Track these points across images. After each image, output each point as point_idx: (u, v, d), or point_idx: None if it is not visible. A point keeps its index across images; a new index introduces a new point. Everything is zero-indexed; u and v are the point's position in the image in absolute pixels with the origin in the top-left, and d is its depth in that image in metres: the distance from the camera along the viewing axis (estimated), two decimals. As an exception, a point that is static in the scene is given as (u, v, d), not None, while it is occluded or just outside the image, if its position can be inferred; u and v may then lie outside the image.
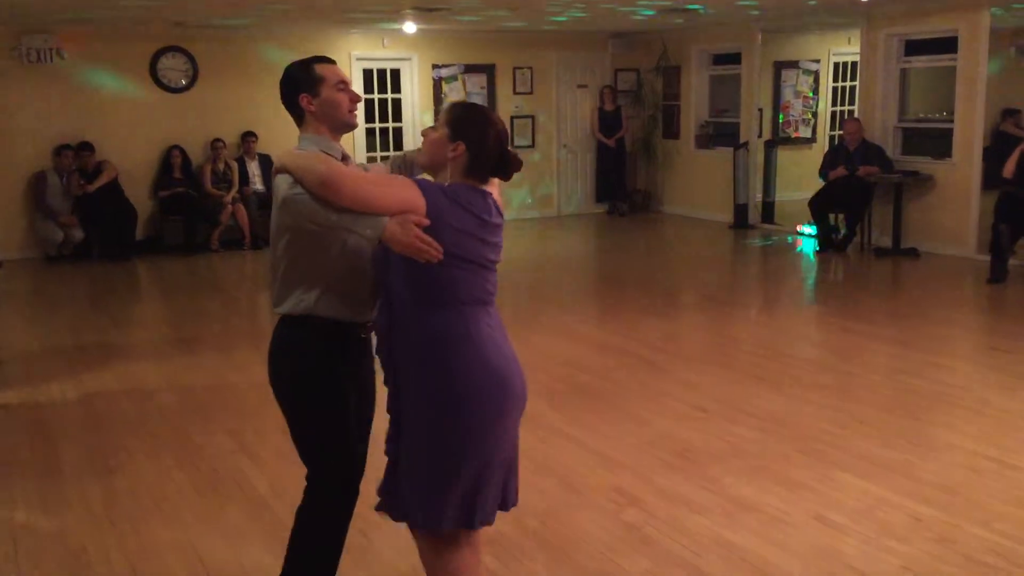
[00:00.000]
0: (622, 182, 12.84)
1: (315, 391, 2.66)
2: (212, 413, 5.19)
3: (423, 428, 2.48)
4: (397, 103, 12.06)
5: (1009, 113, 11.22)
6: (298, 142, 2.68)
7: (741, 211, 11.47)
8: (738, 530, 3.62)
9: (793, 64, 13.39)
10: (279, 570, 2.88)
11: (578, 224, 12.36)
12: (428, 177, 2.63)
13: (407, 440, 2.53)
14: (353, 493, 2.79)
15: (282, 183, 2.46)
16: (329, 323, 2.63)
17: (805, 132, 13.57)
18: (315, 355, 2.64)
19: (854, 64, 11.96)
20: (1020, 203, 7.96)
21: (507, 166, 2.52)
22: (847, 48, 12.51)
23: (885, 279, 8.78)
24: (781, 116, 13.40)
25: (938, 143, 9.54)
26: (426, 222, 2.35)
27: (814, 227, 9.98)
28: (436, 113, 12.19)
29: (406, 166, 2.90)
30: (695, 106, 12.47)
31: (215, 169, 10.71)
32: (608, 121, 12.59)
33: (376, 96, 11.91)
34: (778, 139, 12.65)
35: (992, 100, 9.53)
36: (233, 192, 10.68)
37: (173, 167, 10.58)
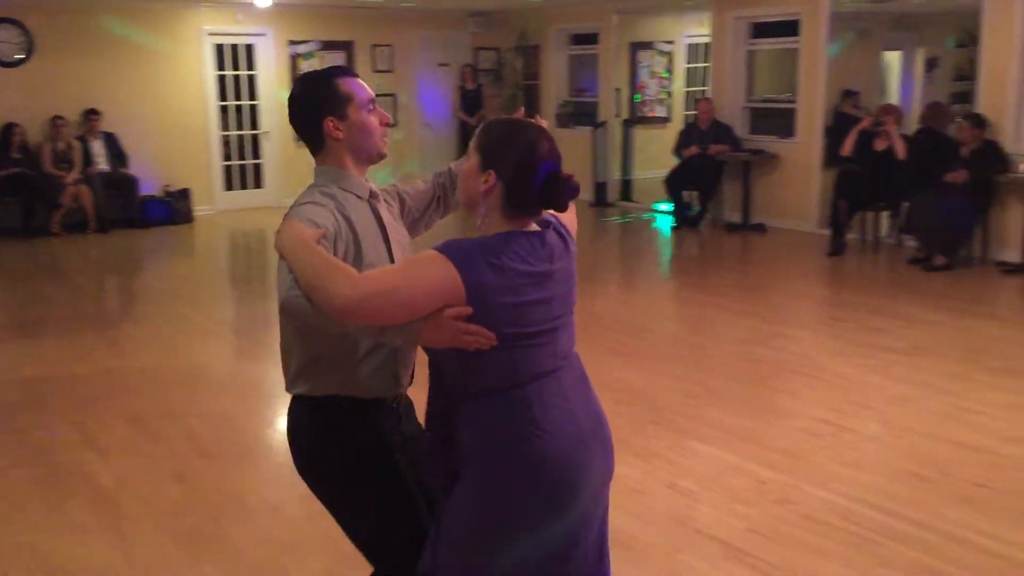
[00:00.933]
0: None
1: (361, 474, 2.20)
2: (53, 404, 4.93)
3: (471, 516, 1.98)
4: (254, 80, 11.69)
5: (849, 94, 11.79)
6: (313, 177, 2.22)
7: (601, 189, 11.70)
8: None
9: (648, 45, 13.71)
10: (126, 566, 2.76)
11: (441, 203, 12.31)
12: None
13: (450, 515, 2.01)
14: None
15: (284, 275, 1.95)
16: (356, 401, 2.18)
17: (661, 112, 13.94)
18: (354, 440, 2.19)
19: (706, 46, 12.34)
20: (857, 180, 8.42)
21: (557, 193, 1.94)
22: (699, 30, 12.89)
23: (735, 254, 9.14)
24: (638, 96, 13.71)
25: (783, 123, 9.98)
26: (468, 311, 1.85)
27: (670, 204, 10.28)
28: (293, 90, 11.89)
29: (452, 183, 2.48)
30: (555, 86, 12.61)
31: (55, 148, 10.11)
32: (470, 100, 12.58)
33: (229, 73, 11.51)
34: (635, 119, 12.95)
35: (833, 82, 10.01)
36: (75, 173, 10.12)
37: (10, 146, 9.93)
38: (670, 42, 13.87)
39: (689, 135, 10.17)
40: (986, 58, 8.08)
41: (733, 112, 10.30)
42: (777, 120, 10.17)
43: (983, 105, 8.04)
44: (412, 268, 1.89)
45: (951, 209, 7.68)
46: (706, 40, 12.03)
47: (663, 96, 13.98)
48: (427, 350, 1.98)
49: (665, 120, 13.85)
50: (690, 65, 14.12)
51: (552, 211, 1.99)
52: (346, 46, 12.06)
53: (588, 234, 10.60)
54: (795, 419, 4.59)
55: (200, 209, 11.25)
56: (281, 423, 4.82)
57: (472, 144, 1.99)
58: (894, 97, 13.93)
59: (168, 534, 3.49)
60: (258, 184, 11.96)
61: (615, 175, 11.84)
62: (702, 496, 3.75)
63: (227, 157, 11.74)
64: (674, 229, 10.06)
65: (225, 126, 11.64)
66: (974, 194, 7.72)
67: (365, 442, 2.18)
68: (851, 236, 8.74)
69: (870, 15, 12.84)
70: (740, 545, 3.36)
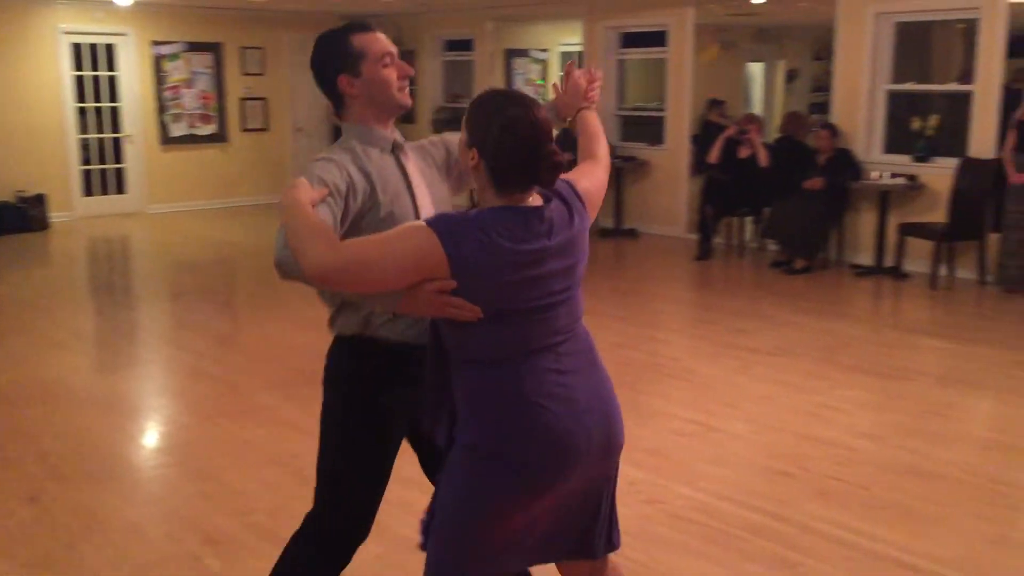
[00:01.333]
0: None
1: (358, 418, 2.26)
2: None
3: (462, 477, 1.98)
4: (115, 81, 11.22)
5: (715, 103, 12.21)
6: (342, 136, 2.23)
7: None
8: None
9: (524, 53, 13.84)
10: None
11: (315, 209, 12.10)
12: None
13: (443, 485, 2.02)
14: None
15: (279, 234, 1.96)
16: (385, 345, 2.21)
17: (536, 119, 14.06)
18: (367, 380, 2.24)
19: (579, 54, 12.55)
20: (723, 186, 8.71)
21: (539, 169, 1.88)
22: (573, 39, 13.10)
23: (608, 259, 9.31)
24: (514, 102, 13.79)
25: (653, 130, 10.23)
26: (452, 284, 1.84)
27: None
28: (159, 94, 11.49)
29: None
30: (430, 91, 12.58)
31: None
32: (343, 104, 12.41)
33: (88, 73, 11.01)
34: (511, 125, 13.02)
35: (699, 91, 10.34)
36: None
37: None
38: (545, 50, 14.04)
39: (563, 143, 10.22)
40: (839, 71, 8.50)
41: (605, 120, 10.47)
42: (647, 128, 10.43)
43: (837, 115, 8.45)
44: (393, 239, 1.87)
45: (809, 214, 8.03)
46: (579, 48, 12.25)
47: (540, 101, 14.11)
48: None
49: (540, 127, 13.97)
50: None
51: (538, 185, 1.93)
52: (214, 48, 11.73)
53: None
54: (665, 420, 4.70)
55: (57, 215, 10.72)
56: (144, 438, 4.63)
57: (463, 118, 1.96)
58: (757, 107, 14.51)
59: (17, 561, 3.30)
60: (120, 189, 11.48)
61: (491, 181, 11.88)
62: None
63: (86, 161, 11.23)
64: (549, 235, 10.15)
65: (84, 129, 11.13)
66: (830, 200, 8.10)
67: (371, 385, 2.23)
68: (718, 241, 9.03)
69: (734, 28, 13.34)
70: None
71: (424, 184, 2.25)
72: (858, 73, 8.28)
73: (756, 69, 14.98)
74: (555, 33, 13.82)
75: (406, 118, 12.81)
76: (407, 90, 2.21)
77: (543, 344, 1.93)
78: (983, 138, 7.57)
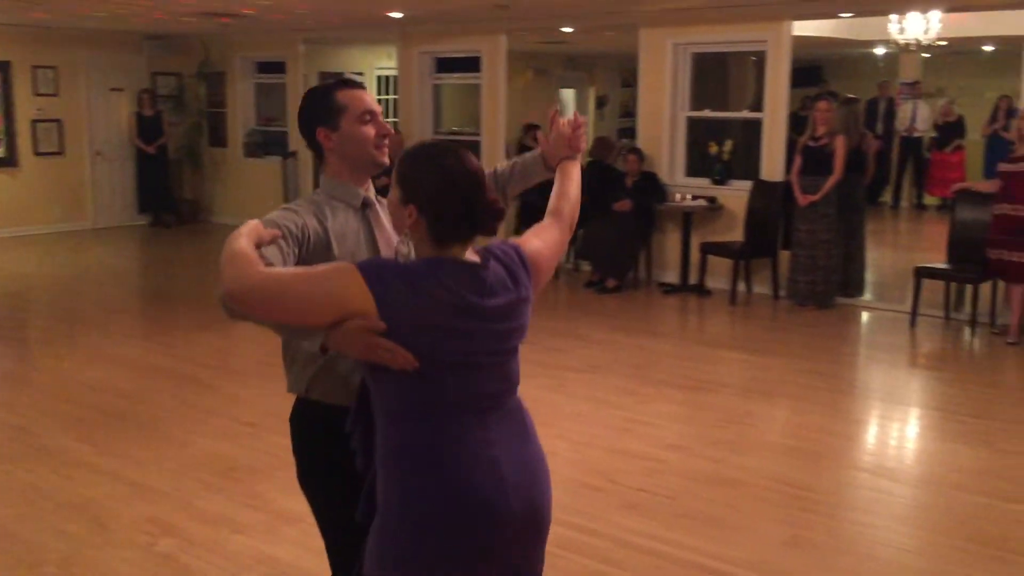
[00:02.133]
0: (167, 192, 12.19)
1: (336, 477, 2.20)
2: None
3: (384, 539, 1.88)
4: None
5: (530, 128, 12.50)
6: (317, 189, 2.27)
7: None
8: (281, 544, 3.59)
9: (338, 76, 13.69)
10: None
11: (118, 237, 11.48)
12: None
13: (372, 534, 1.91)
14: None
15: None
16: (323, 408, 2.19)
17: (353, 142, 13.94)
18: (325, 441, 2.19)
19: (395, 78, 12.55)
20: (538, 209, 8.86)
21: (481, 219, 1.85)
22: (388, 63, 13.10)
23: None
24: (330, 126, 13.62)
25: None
26: (381, 326, 1.76)
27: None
28: (-63, 113, 10.58)
29: (499, 183, 2.43)
30: (241, 114, 12.24)
31: None
32: (148, 127, 11.86)
33: None
34: (327, 149, 12.85)
35: (514, 116, 10.55)
36: None
37: None
38: (360, 73, 13.94)
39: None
40: (643, 98, 8.90)
41: (422, 144, 10.52)
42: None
43: (642, 140, 8.84)
44: (316, 272, 1.82)
45: (619, 235, 8.34)
46: (394, 73, 12.25)
47: (355, 127, 14.01)
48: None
49: (358, 151, 13.87)
50: (381, 97, 14.29)
51: (480, 235, 1.87)
52: (2, 67, 10.94)
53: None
54: (482, 442, 4.71)
55: None
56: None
57: (394, 176, 1.90)
58: (570, 132, 14.96)
59: None
60: None
61: (308, 206, 11.66)
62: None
63: None
64: (368, 259, 10.06)
65: None
66: (638, 221, 8.45)
67: (331, 444, 2.16)
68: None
69: (546, 55, 13.73)
70: (427, 573, 3.38)
71: (388, 245, 2.22)
72: (660, 100, 8.70)
73: (568, 95, 15.48)
74: (370, 57, 13.77)
75: (217, 142, 12.41)
76: (385, 148, 2.21)
77: (467, 405, 1.85)
78: (773, 162, 8.11)
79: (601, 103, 15.57)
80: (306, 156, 11.58)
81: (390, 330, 1.76)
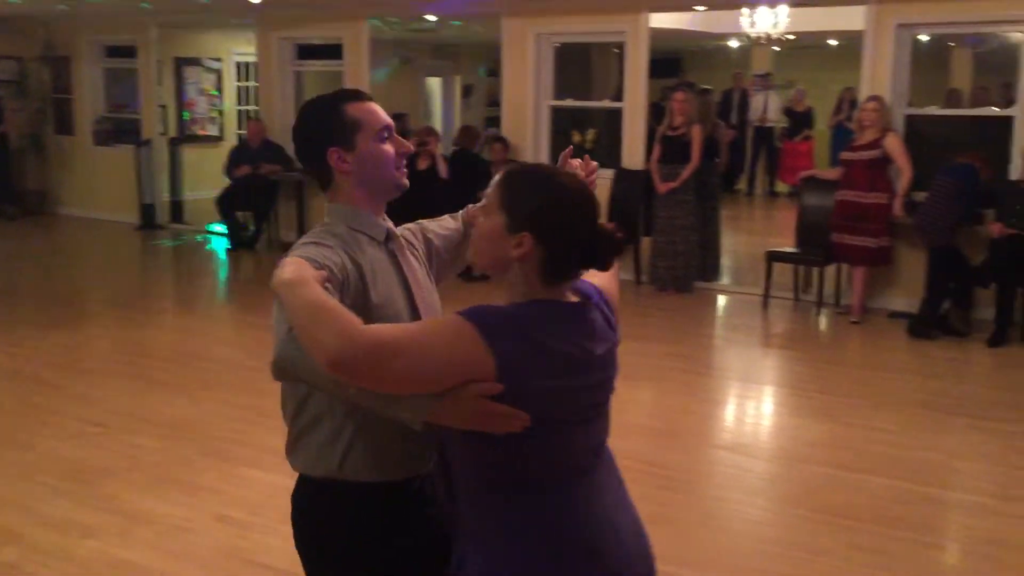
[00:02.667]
0: (8, 182, 11.51)
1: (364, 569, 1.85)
2: None
3: None
4: None
5: (396, 117, 12.40)
6: (325, 216, 1.89)
7: (148, 211, 11.02)
8: (134, 546, 3.45)
9: (195, 61, 13.23)
10: None
11: (-44, 231, 10.77)
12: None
13: None
14: None
15: (280, 320, 1.65)
16: (356, 488, 1.81)
17: (212, 130, 13.51)
18: (351, 527, 1.83)
19: (255, 64, 12.21)
20: (404, 198, 8.81)
21: (603, 252, 1.63)
22: (247, 48, 12.72)
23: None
24: (186, 113, 13.15)
25: (333, 143, 10.16)
26: (497, 388, 1.53)
27: (224, 225, 9.99)
28: None
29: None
30: (90, 101, 11.65)
31: None
32: (-14, 113, 11.16)
33: None
34: (184, 137, 12.41)
35: (380, 104, 10.40)
36: None
37: None
38: (218, 59, 13.51)
39: (240, 154, 9.97)
40: (507, 87, 8.95)
41: (284, 131, 10.27)
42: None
43: (507, 128, 8.89)
44: (430, 330, 1.57)
45: (486, 224, 8.36)
46: (253, 59, 11.92)
47: (214, 114, 13.57)
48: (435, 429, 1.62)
49: (217, 139, 13.44)
50: (240, 83, 13.87)
51: (595, 269, 1.67)
52: None
53: (136, 259, 9.95)
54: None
55: None
56: None
57: (492, 200, 1.63)
58: (437, 120, 14.93)
59: None
60: None
61: (164, 196, 11.24)
62: (254, 524, 3.66)
63: None
64: (229, 251, 9.78)
65: None
66: (504, 210, 8.48)
67: (368, 537, 1.83)
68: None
69: (412, 43, 13.63)
70: (293, 568, 3.30)
71: (419, 280, 1.95)
72: (524, 89, 8.76)
73: (435, 84, 15.41)
74: (228, 42, 13.33)
75: (64, 129, 11.78)
76: (404, 169, 1.92)
77: (581, 464, 1.66)
78: (634, 151, 8.31)
79: (467, 92, 15.57)
80: (161, 144, 11.14)
81: (507, 392, 1.53)
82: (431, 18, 10.14)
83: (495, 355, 1.52)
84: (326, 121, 1.86)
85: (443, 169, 8.72)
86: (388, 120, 1.89)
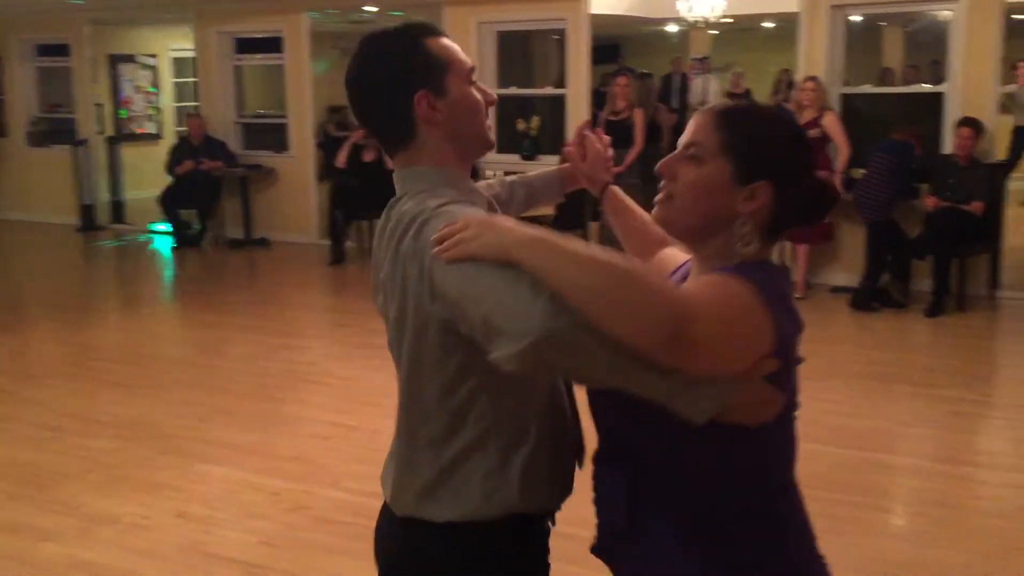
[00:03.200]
0: (-59, 186, 11.21)
1: None
2: None
3: None
4: None
5: (335, 110, 12.30)
6: (403, 184, 1.50)
7: (88, 212, 10.83)
8: (94, 547, 3.43)
9: (129, 58, 12.97)
10: None
11: None
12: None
13: None
14: None
15: (522, 293, 1.21)
16: (521, 520, 1.47)
17: (151, 128, 13.27)
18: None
19: (193, 60, 12.03)
20: (351, 191, 8.80)
21: (825, 203, 1.43)
22: (185, 44, 12.51)
23: (240, 270, 9.05)
24: (123, 112, 12.90)
25: (277, 137, 10.09)
26: (774, 365, 1.28)
27: (167, 224, 9.86)
28: None
29: (511, 201, 1.81)
30: (23, 101, 11.39)
31: None
32: (-86, 117, 10.85)
33: None
34: (122, 135, 12.18)
35: (322, 97, 10.35)
36: None
37: None
38: (154, 55, 13.26)
39: (181, 152, 9.84)
40: (451, 76, 8.94)
41: (226, 127, 10.17)
42: (271, 135, 10.25)
43: (452, 119, 8.89)
44: (722, 293, 1.26)
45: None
46: (191, 54, 11.74)
47: (152, 111, 13.33)
48: (612, 419, 1.37)
49: (156, 136, 13.20)
50: (178, 80, 13.64)
51: (807, 225, 1.48)
52: None
53: (78, 261, 9.78)
54: (305, 426, 4.67)
55: None
56: None
57: (708, 144, 1.36)
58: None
59: None
60: None
61: (103, 196, 11.04)
62: (215, 519, 3.66)
63: None
64: (174, 250, 9.66)
65: None
66: (452, 199, 8.51)
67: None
68: (349, 244, 9.12)
69: (352, 35, 13.53)
70: (255, 560, 3.33)
71: None
72: (467, 78, 8.77)
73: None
74: (164, 38, 13.10)
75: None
76: (491, 125, 1.57)
77: (793, 460, 1.45)
78: (578, 137, 8.37)
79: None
80: (98, 143, 10.93)
81: (778, 371, 1.31)
82: (371, 9, 10.09)
83: (774, 325, 1.27)
84: (408, 59, 1.47)
85: (389, 160, 8.69)
86: (472, 61, 1.54)
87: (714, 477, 1.35)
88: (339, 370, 5.59)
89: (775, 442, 1.38)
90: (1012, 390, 5.13)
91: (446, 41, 1.51)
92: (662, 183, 1.44)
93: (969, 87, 6.84)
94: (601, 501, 1.43)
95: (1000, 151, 7.01)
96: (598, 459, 1.45)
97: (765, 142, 1.37)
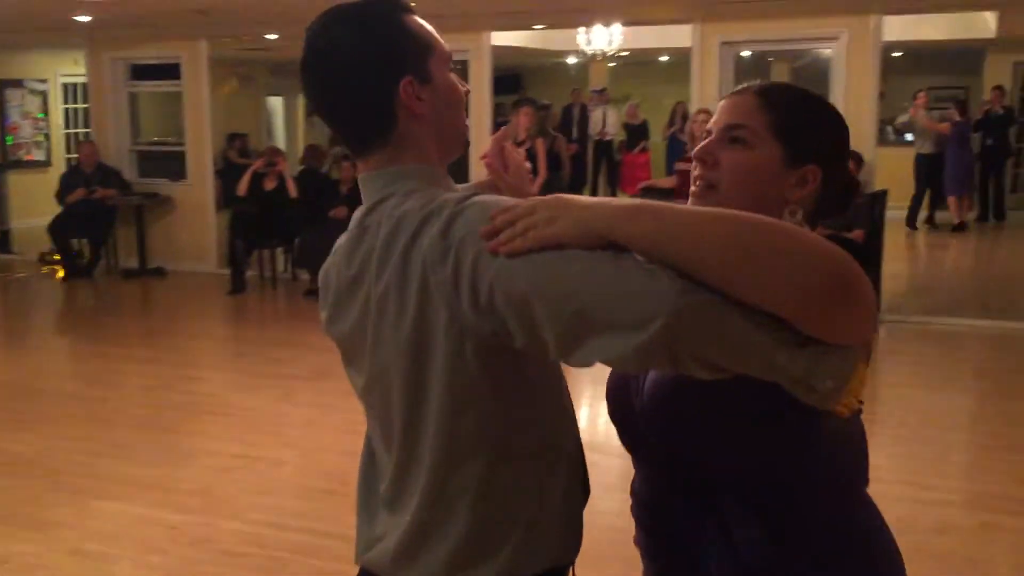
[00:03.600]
0: None
1: None
2: None
3: None
4: None
5: (234, 137, 12.14)
6: (380, 187, 1.28)
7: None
8: (-17, 590, 3.30)
9: (18, 83, 12.57)
10: None
11: None
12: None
13: None
14: None
15: (630, 269, 1.03)
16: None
17: (39, 155, 12.86)
18: None
19: (84, 86, 11.72)
20: (252, 219, 8.70)
21: (853, 191, 1.37)
22: (76, 69, 12.19)
23: (135, 300, 8.82)
24: (10, 138, 12.47)
25: (174, 165, 9.89)
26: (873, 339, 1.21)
27: (57, 254, 9.53)
28: None
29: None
30: (-99, 125, 10.88)
31: None
32: None
33: None
34: (9, 163, 11.77)
35: (221, 124, 10.22)
36: None
37: None
38: (44, 80, 12.88)
39: (72, 179, 9.55)
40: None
41: (120, 155, 9.93)
42: (168, 163, 10.05)
43: (355, 147, 8.89)
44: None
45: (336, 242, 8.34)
46: (84, 80, 11.44)
47: (40, 138, 12.92)
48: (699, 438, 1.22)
49: (45, 164, 12.81)
50: (69, 105, 13.27)
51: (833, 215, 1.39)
52: None
53: (-40, 293, 9.35)
54: (206, 458, 4.58)
55: None
56: None
57: (756, 125, 1.26)
58: (280, 140, 14.72)
59: None
60: None
61: (-11, 225, 10.62)
62: (110, 556, 3.56)
63: None
64: (65, 280, 9.34)
65: None
66: (355, 227, 8.49)
67: None
68: (250, 273, 8.98)
69: (251, 62, 13.40)
70: (155, 596, 3.26)
71: None
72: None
73: (277, 103, 15.19)
74: (54, 63, 12.74)
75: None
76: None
77: None
78: (482, 167, 8.45)
79: (311, 111, 15.44)
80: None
81: None
82: (272, 36, 10.03)
83: None
84: (390, 39, 1.25)
85: (292, 188, 8.64)
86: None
87: (806, 484, 1.23)
88: (240, 400, 5.50)
89: (857, 441, 1.28)
90: (892, 408, 5.39)
91: (423, 22, 1.31)
92: (697, 172, 1.30)
93: (849, 121, 7.17)
94: (707, 542, 1.25)
95: (878, 182, 7.40)
96: (670, 494, 1.29)
97: (815, 123, 1.30)
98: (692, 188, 1.31)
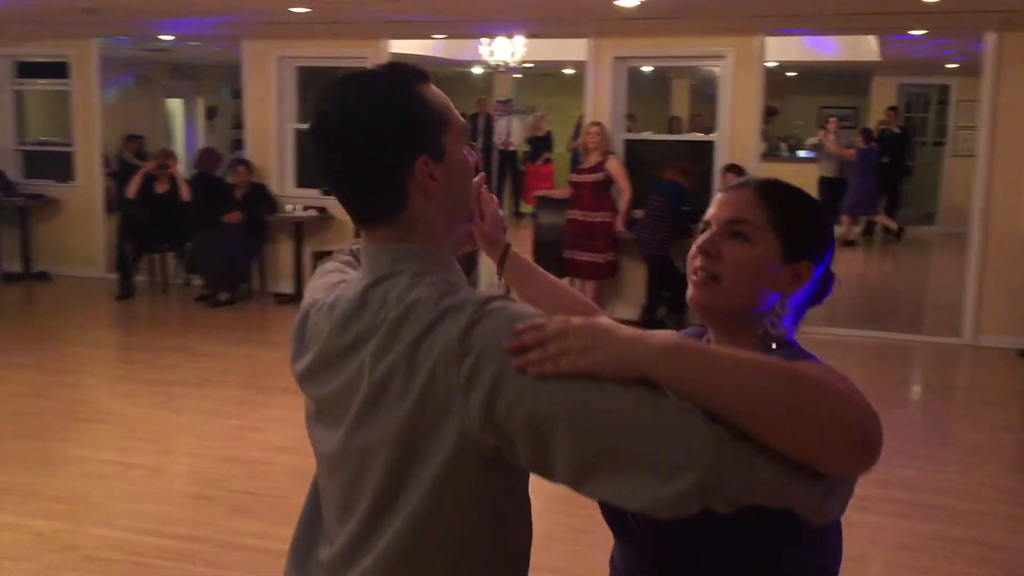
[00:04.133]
0: None
1: None
2: None
3: None
4: None
5: (131, 139, 11.85)
6: (375, 256, 1.23)
7: None
8: None
9: None
10: None
11: None
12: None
13: None
14: None
15: (676, 418, 1.02)
16: None
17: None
18: None
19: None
20: (142, 222, 8.51)
21: (830, 285, 1.41)
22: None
23: (16, 305, 8.53)
24: None
25: (61, 166, 9.60)
26: None
27: (-65, 256, 9.15)
28: None
29: None
30: None
31: None
32: None
33: None
34: None
35: (115, 126, 9.96)
36: None
37: None
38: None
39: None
40: (250, 110, 8.86)
41: (3, 154, 9.59)
42: (55, 164, 9.74)
43: (250, 151, 8.80)
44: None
45: (230, 248, 8.23)
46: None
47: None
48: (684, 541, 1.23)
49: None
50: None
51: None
52: None
53: None
54: (78, 465, 4.48)
55: None
56: None
57: (757, 221, 1.30)
58: (179, 142, 14.41)
59: None
60: None
61: None
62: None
63: None
64: (-58, 283, 8.98)
65: None
66: (249, 233, 8.39)
67: None
68: (140, 278, 8.77)
69: (147, 63, 13.10)
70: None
71: None
72: (267, 113, 8.72)
73: (176, 105, 14.88)
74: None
75: None
76: None
77: None
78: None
79: (211, 114, 15.17)
80: None
81: None
82: (167, 37, 9.85)
83: None
84: (408, 115, 1.20)
85: (185, 192, 8.49)
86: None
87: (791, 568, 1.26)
88: (120, 407, 5.39)
89: (834, 539, 1.31)
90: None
91: (438, 91, 1.25)
92: (699, 263, 1.32)
93: (735, 136, 7.49)
94: None
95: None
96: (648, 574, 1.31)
97: (808, 220, 1.35)
98: (693, 278, 1.33)
